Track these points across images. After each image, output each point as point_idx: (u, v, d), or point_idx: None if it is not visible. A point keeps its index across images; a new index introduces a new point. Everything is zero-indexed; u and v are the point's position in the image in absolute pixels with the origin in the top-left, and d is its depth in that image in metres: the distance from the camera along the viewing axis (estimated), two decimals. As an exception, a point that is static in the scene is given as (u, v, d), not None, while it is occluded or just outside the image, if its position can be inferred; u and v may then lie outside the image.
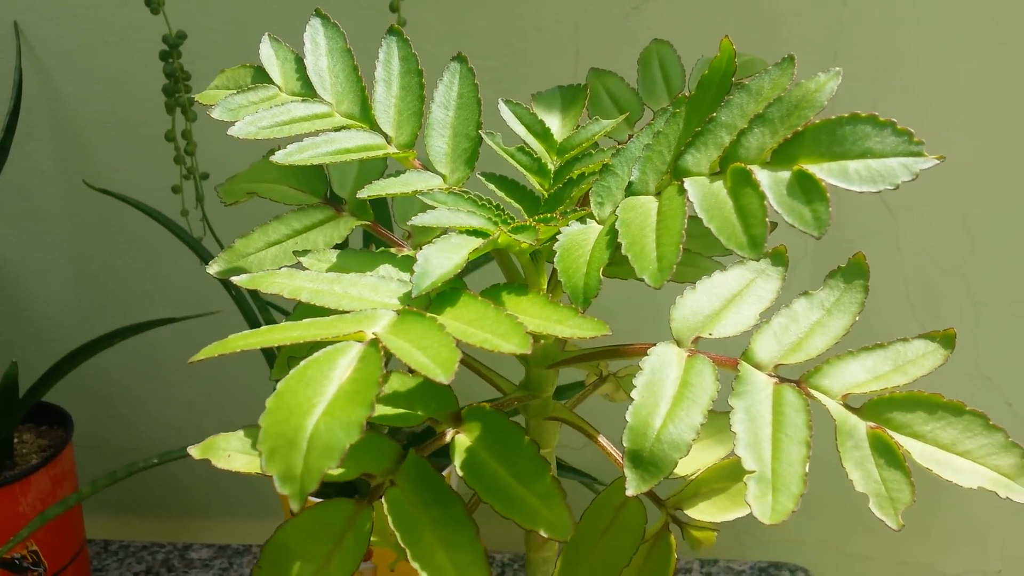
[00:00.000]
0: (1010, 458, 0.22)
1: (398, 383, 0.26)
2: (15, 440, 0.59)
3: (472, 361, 0.29)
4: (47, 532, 0.57)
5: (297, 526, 0.22)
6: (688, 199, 0.21)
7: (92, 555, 0.69)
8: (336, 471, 0.23)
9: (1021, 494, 0.22)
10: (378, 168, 0.31)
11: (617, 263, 0.27)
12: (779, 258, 0.26)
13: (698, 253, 0.29)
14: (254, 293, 0.51)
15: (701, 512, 0.28)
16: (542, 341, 0.27)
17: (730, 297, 0.26)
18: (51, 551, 0.57)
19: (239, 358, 0.69)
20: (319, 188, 0.30)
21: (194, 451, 0.24)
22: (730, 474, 0.28)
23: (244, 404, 0.73)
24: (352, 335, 0.20)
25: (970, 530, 0.78)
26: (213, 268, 0.28)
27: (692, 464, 0.28)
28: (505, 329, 0.20)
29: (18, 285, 0.68)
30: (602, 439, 0.29)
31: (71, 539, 0.59)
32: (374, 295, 0.21)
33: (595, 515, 0.27)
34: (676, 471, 0.29)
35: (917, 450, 0.23)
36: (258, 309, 0.50)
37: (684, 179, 0.22)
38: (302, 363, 0.19)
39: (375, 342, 0.19)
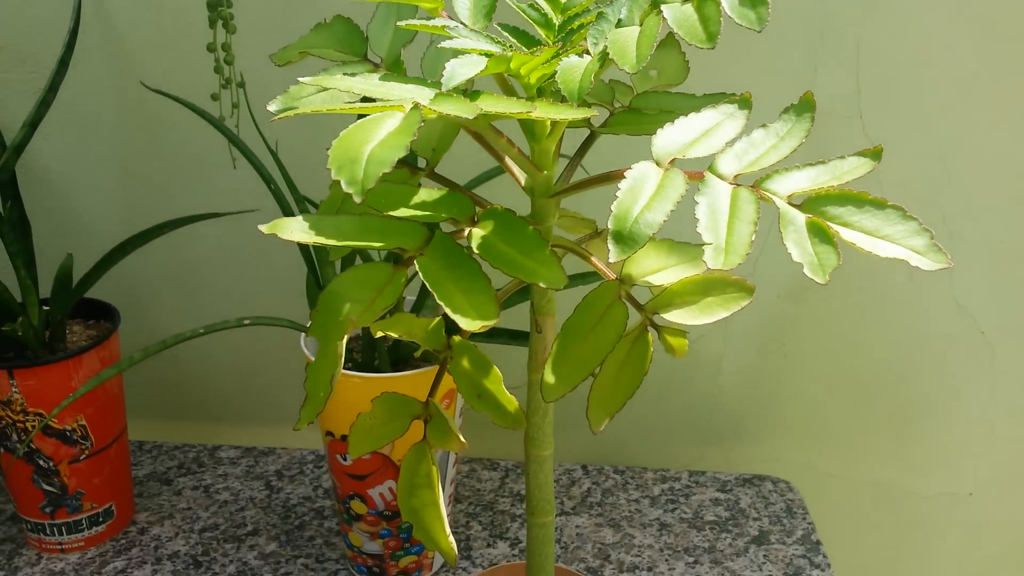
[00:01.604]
0: (922, 239, 0.28)
1: (426, 195, 0.32)
2: (67, 331, 0.65)
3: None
4: (95, 410, 0.63)
5: (348, 278, 0.28)
6: (664, 19, 0.27)
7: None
8: (377, 244, 0.29)
9: (928, 264, 0.28)
10: (409, 35, 0.36)
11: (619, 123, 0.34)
12: (745, 103, 0.32)
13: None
14: (293, 189, 0.56)
15: (675, 317, 0.33)
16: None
17: (702, 132, 0.32)
18: (97, 428, 0.63)
19: (273, 281, 0.74)
20: (360, 49, 0.36)
21: (264, 227, 0.29)
22: (701, 288, 0.34)
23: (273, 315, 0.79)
24: (398, 107, 0.25)
25: (944, 454, 0.83)
26: (272, 106, 0.33)
27: (668, 279, 0.34)
28: (518, 108, 0.25)
29: (68, 199, 0.75)
30: (594, 260, 0.35)
31: (115, 421, 0.65)
32: (414, 92, 0.27)
33: (585, 313, 0.33)
34: (653, 282, 0.34)
35: (846, 233, 0.28)
36: (295, 201, 0.56)
37: (661, 5, 0.27)
38: (361, 120, 0.25)
39: (416, 107, 0.25)
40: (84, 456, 0.63)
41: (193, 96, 0.60)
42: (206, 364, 0.81)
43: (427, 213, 0.31)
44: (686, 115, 0.32)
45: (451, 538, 0.35)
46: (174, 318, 0.80)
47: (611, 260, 0.28)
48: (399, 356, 0.59)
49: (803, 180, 0.29)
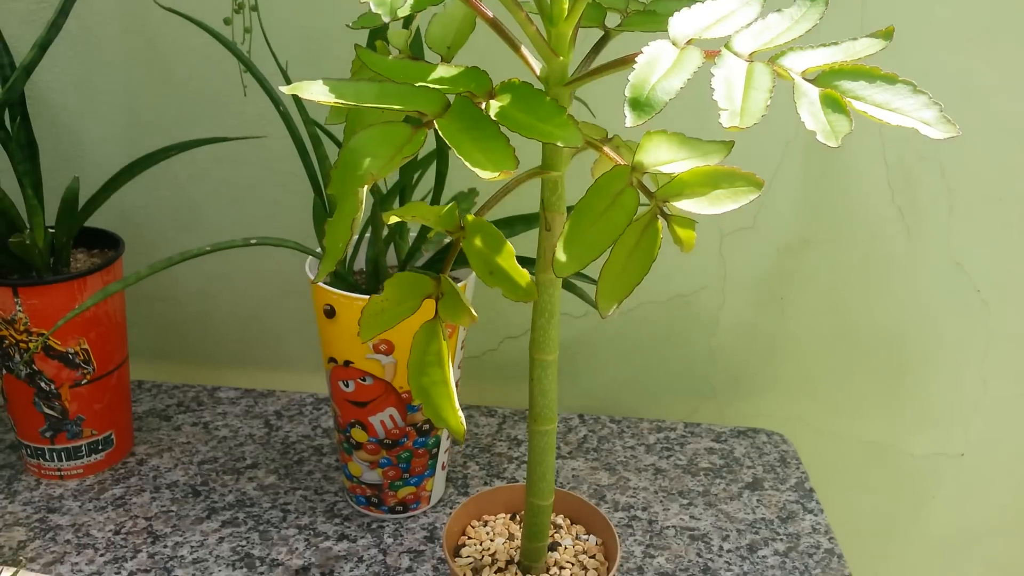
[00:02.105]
0: (931, 112, 0.28)
1: (444, 71, 0.32)
2: (71, 259, 0.65)
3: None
4: (97, 335, 0.63)
5: (369, 135, 0.28)
6: None
7: (129, 385, 0.76)
8: (397, 105, 0.29)
9: (937, 134, 0.28)
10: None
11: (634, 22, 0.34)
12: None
13: None
14: (302, 111, 0.57)
15: (685, 206, 0.34)
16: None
17: (718, 17, 0.32)
18: (99, 354, 0.64)
19: (271, 219, 0.75)
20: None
21: (286, 88, 0.30)
22: (711, 180, 0.34)
23: (274, 258, 0.79)
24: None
25: (936, 414, 0.84)
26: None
27: (679, 170, 0.34)
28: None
29: (75, 128, 0.75)
30: (606, 149, 0.35)
31: (117, 349, 0.66)
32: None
33: (596, 195, 0.33)
34: (664, 171, 0.35)
35: (859, 105, 0.29)
36: (304, 124, 0.56)
37: None
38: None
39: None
40: (85, 381, 0.63)
41: (205, 21, 0.60)
42: (207, 306, 0.81)
43: (445, 87, 0.31)
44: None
45: (460, 414, 0.35)
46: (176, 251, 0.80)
47: (627, 125, 0.28)
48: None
49: (817, 58, 0.30)
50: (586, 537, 0.53)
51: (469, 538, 0.53)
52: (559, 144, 0.28)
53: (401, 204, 0.59)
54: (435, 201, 0.55)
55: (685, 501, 0.70)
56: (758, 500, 0.70)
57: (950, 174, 0.74)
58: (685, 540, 0.65)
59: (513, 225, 0.58)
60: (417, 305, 0.35)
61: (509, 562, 0.51)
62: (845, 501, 0.87)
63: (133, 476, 0.67)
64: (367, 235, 0.62)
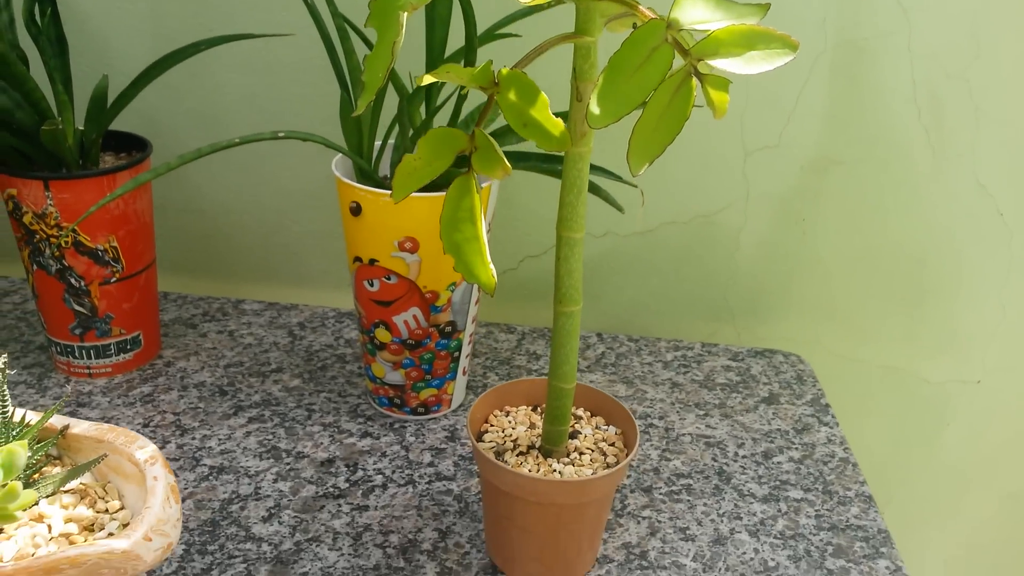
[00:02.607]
0: None
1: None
2: (100, 159, 0.66)
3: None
4: (127, 233, 0.64)
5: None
6: None
7: (156, 294, 0.77)
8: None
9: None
10: None
11: None
12: None
13: None
14: (332, 6, 0.57)
15: (720, 65, 0.34)
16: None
17: None
18: (128, 252, 0.65)
19: (297, 126, 0.74)
20: None
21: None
22: (746, 40, 0.34)
23: (299, 174, 0.79)
24: None
25: (954, 340, 0.84)
26: None
27: (714, 28, 0.34)
28: None
29: (101, 39, 0.75)
30: (641, 8, 0.36)
31: (145, 249, 0.67)
32: None
33: (631, 49, 0.34)
34: (700, 27, 0.35)
35: None
36: (331, 16, 0.56)
37: None
38: None
39: None
40: (115, 279, 0.64)
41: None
42: (231, 220, 0.82)
43: None
44: None
45: (492, 268, 0.36)
46: (200, 170, 0.81)
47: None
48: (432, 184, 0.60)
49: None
50: (606, 427, 0.54)
51: (491, 426, 0.54)
52: (587, 41, 0.29)
53: (428, 103, 0.59)
54: (461, 97, 0.55)
55: (701, 412, 0.70)
56: (773, 413, 0.71)
57: (978, 93, 0.74)
58: (701, 446, 0.66)
59: (531, 159, 0.58)
60: (449, 162, 0.35)
61: (530, 447, 0.52)
62: (859, 426, 0.88)
63: (161, 376, 0.69)
64: (390, 141, 0.63)
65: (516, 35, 0.60)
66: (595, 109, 0.33)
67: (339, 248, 0.83)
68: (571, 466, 0.50)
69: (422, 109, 0.61)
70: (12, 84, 0.56)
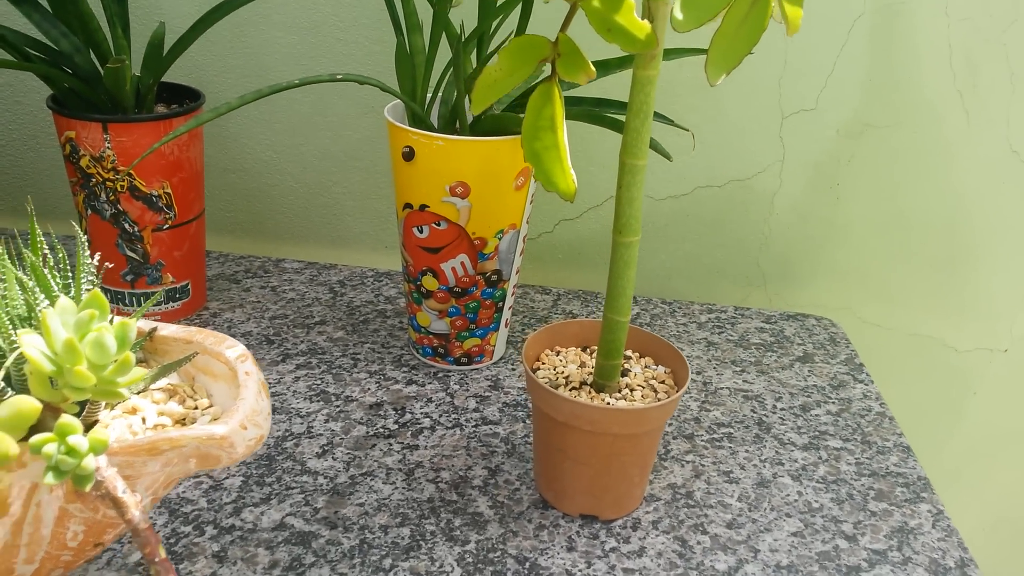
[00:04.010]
0: None
1: None
2: (155, 107, 0.67)
3: None
4: (180, 180, 0.65)
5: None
6: None
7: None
8: None
9: None
10: None
11: None
12: None
13: None
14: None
15: (794, -20, 0.35)
16: None
17: None
18: (181, 200, 0.66)
19: (339, 93, 0.76)
20: None
21: None
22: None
23: (340, 134, 0.81)
24: None
25: (982, 309, 0.85)
26: None
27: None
28: None
29: None
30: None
31: (196, 198, 0.68)
32: None
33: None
34: (777, -56, 0.36)
35: None
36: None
37: None
38: None
39: None
40: (167, 226, 0.66)
41: None
42: (273, 180, 0.83)
43: None
44: None
45: (572, 174, 0.37)
46: (247, 129, 0.82)
47: None
48: (482, 130, 0.61)
49: None
50: (655, 367, 0.55)
51: (543, 364, 0.55)
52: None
53: (479, 50, 0.60)
54: (520, 33, 0.56)
55: (738, 368, 0.71)
56: (809, 371, 0.72)
57: (1015, 58, 0.75)
58: (739, 399, 0.67)
59: (608, 67, 0.59)
60: (531, 71, 0.36)
61: (583, 383, 0.53)
62: (886, 394, 0.89)
63: (208, 326, 0.70)
64: (439, 95, 0.64)
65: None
66: (678, 14, 0.34)
67: (378, 209, 0.84)
68: (623, 401, 0.51)
69: (473, 58, 0.62)
70: (78, 25, 0.57)
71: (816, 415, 0.66)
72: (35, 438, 0.26)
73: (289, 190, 0.84)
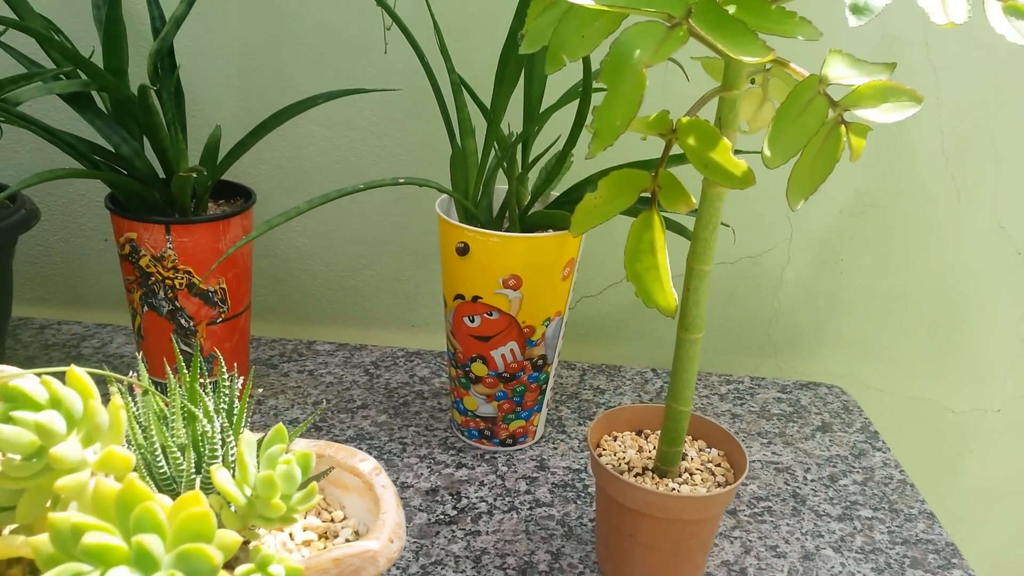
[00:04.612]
0: None
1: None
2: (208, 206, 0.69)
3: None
4: (234, 276, 0.67)
5: (634, 32, 0.34)
6: None
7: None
8: (651, 8, 0.34)
9: None
10: None
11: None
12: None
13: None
14: (447, 58, 0.61)
15: (863, 114, 0.40)
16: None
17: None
18: (234, 294, 0.68)
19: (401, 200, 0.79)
20: None
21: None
22: (881, 94, 0.40)
23: (371, 221, 0.83)
24: None
25: (976, 372, 0.91)
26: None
27: (856, 82, 0.40)
28: None
29: (190, 92, 0.79)
30: (792, 65, 0.41)
31: (246, 291, 0.70)
32: None
33: (793, 102, 0.39)
34: (844, 83, 0.41)
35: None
36: (448, 71, 0.61)
37: None
38: None
39: None
40: (220, 320, 0.67)
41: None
42: (304, 264, 0.86)
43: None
44: None
45: (673, 293, 0.40)
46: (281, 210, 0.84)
47: (852, 25, 0.34)
48: (528, 225, 0.65)
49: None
50: (708, 450, 0.58)
51: (603, 450, 0.57)
52: (800, 37, 0.34)
53: (524, 154, 0.64)
54: (571, 143, 0.60)
55: (765, 441, 0.75)
56: (830, 440, 0.76)
57: (999, 142, 0.81)
58: (772, 472, 0.71)
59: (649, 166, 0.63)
60: (631, 200, 0.40)
61: (644, 468, 0.56)
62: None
63: (256, 414, 0.71)
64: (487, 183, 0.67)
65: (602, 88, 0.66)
66: (767, 152, 0.38)
67: (405, 290, 0.87)
68: (686, 485, 0.54)
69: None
70: (148, 133, 0.60)
71: (844, 485, 0.70)
72: (240, 570, 0.28)
73: (319, 274, 0.86)
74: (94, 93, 0.62)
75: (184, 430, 0.35)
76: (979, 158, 0.82)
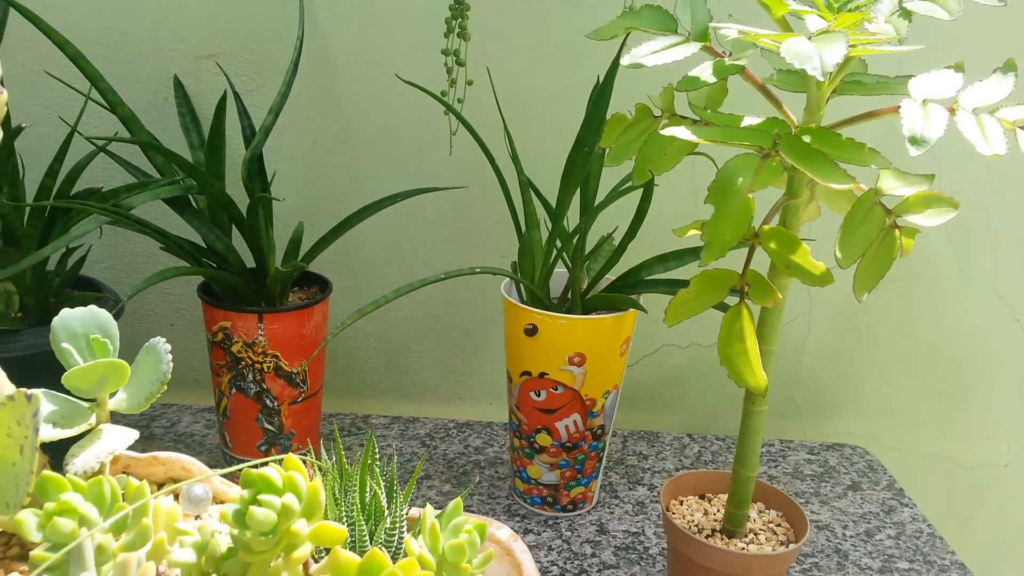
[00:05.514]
0: None
1: (752, 120, 0.45)
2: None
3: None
4: (314, 359, 0.72)
5: (734, 163, 0.40)
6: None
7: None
8: (746, 141, 0.41)
9: None
10: (709, 13, 0.50)
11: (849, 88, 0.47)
12: (959, 67, 0.46)
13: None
14: (516, 162, 0.68)
15: (913, 219, 0.47)
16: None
17: (937, 84, 0.46)
18: (313, 375, 0.73)
19: (423, 262, 0.84)
20: (671, 26, 0.49)
21: (667, 131, 0.42)
22: (926, 202, 0.47)
23: (422, 301, 0.89)
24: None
25: (985, 429, 0.98)
26: (625, 60, 0.46)
27: (905, 193, 0.47)
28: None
29: (300, 185, 0.84)
30: (858, 182, 0.48)
31: (321, 371, 0.75)
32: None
33: (856, 211, 0.46)
34: (895, 193, 0.48)
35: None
36: (517, 173, 0.68)
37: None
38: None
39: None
40: (301, 399, 0.72)
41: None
42: (359, 341, 0.91)
43: (763, 129, 0.44)
44: (906, 84, 0.46)
45: (763, 374, 0.46)
46: (371, 286, 0.90)
47: (911, 155, 0.41)
48: (587, 307, 0.71)
49: (1021, 112, 0.43)
50: (768, 511, 0.64)
51: (672, 513, 0.63)
52: (874, 167, 0.41)
53: (580, 243, 0.71)
54: (630, 236, 0.67)
55: (802, 500, 0.81)
56: (861, 498, 0.82)
57: (995, 221, 0.90)
58: (813, 530, 0.76)
59: (683, 256, 0.70)
60: (722, 296, 0.46)
61: (713, 530, 0.61)
62: (911, 509, 0.99)
63: (328, 487, 0.76)
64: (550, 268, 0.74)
65: (635, 187, 0.73)
66: (839, 254, 0.45)
67: (452, 364, 0.92)
68: (753, 544, 0.59)
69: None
70: (248, 233, 0.65)
71: (880, 540, 0.75)
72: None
73: (373, 351, 0.91)
74: (190, 195, 0.68)
75: (358, 503, 0.40)
76: (977, 235, 0.90)
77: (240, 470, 0.34)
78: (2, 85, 0.28)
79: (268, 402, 0.71)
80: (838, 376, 0.95)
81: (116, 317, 0.71)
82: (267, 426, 0.71)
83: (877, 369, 0.94)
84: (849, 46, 0.38)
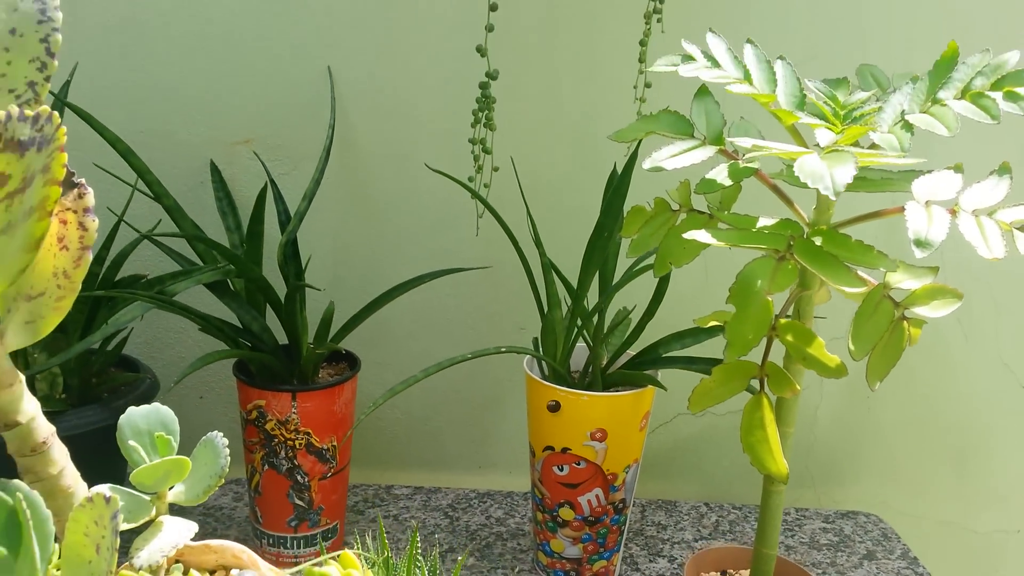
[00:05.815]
0: None
1: (766, 221, 0.48)
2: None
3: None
4: (341, 434, 0.75)
5: (752, 266, 0.44)
6: (951, 109, 0.45)
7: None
8: (762, 244, 0.45)
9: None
10: (723, 118, 0.54)
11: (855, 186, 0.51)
12: (959, 168, 0.49)
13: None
14: (539, 245, 0.72)
15: (919, 311, 0.49)
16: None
17: (940, 186, 0.49)
18: (342, 450, 0.75)
19: (447, 338, 0.87)
20: (687, 130, 0.53)
21: (690, 234, 0.45)
22: (932, 293, 0.50)
23: (445, 373, 0.92)
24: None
25: (997, 495, 0.99)
26: (647, 164, 0.50)
27: (911, 287, 0.50)
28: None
29: (327, 266, 0.88)
30: (864, 275, 0.51)
31: (348, 449, 0.77)
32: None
33: (866, 305, 0.49)
34: (902, 287, 0.51)
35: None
36: (540, 255, 0.71)
37: (941, 101, 0.45)
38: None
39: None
40: (330, 474, 0.74)
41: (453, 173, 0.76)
42: (382, 412, 0.93)
43: (776, 231, 0.47)
44: (910, 181, 0.49)
45: (783, 461, 0.48)
46: (396, 358, 0.92)
47: (917, 256, 0.44)
48: (608, 383, 0.73)
49: (1019, 213, 0.47)
50: (786, 585, 0.65)
51: (695, 589, 0.64)
52: (882, 269, 0.44)
53: (599, 321, 0.74)
54: (649, 316, 0.70)
55: (819, 571, 0.82)
56: (877, 568, 0.83)
57: (997, 292, 0.92)
58: (831, 600, 0.77)
59: (698, 334, 0.73)
60: (743, 386, 0.49)
61: (735, 605, 0.62)
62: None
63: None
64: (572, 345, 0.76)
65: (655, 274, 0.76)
66: (852, 346, 0.47)
67: (473, 434, 0.94)
68: (774, 619, 0.61)
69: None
70: (285, 316, 0.69)
71: (898, 611, 0.76)
72: None
73: (395, 421, 0.94)
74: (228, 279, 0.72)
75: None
76: (981, 306, 0.93)
77: (299, 570, 0.36)
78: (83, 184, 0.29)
79: (299, 478, 0.73)
80: (850, 444, 0.96)
81: (154, 394, 0.74)
82: (298, 502, 0.73)
83: (887, 436, 0.96)
84: (858, 166, 0.42)
